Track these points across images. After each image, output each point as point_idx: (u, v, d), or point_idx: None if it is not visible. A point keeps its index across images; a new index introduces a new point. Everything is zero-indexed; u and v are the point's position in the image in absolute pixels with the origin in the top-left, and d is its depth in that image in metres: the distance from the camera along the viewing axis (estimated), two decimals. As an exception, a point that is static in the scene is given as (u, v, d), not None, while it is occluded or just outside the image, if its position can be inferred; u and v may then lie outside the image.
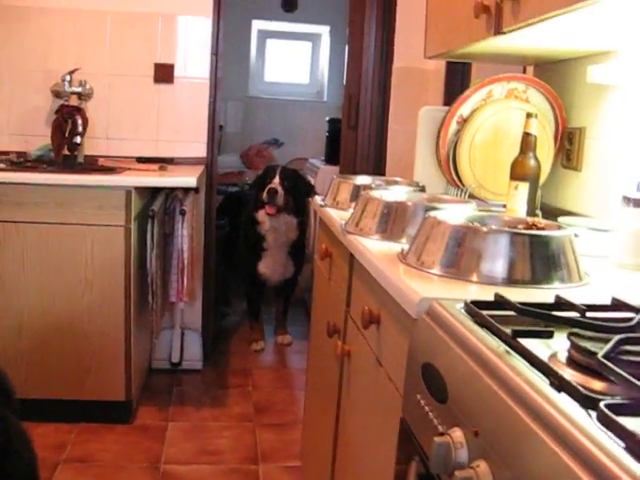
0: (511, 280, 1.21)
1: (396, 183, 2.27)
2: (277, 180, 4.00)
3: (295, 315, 4.76)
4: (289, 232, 4.12)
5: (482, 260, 1.22)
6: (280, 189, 3.97)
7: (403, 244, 1.50)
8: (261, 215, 4.07)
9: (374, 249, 1.49)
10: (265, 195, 3.98)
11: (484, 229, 1.25)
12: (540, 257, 1.23)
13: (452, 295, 1.10)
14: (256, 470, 2.78)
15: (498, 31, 1.68)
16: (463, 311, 1.01)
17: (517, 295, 1.04)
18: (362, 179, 2.27)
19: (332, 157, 4.64)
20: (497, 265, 1.22)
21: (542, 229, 1.36)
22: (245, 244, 4.25)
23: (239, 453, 2.91)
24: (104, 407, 3.07)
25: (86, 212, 2.90)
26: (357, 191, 2.08)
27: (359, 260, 1.54)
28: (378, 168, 3.62)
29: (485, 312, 0.95)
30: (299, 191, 4.09)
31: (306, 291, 4.99)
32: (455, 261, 1.25)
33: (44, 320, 2.98)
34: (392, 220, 1.62)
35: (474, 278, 1.21)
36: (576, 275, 1.26)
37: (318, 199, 2.33)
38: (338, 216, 1.95)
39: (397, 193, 1.88)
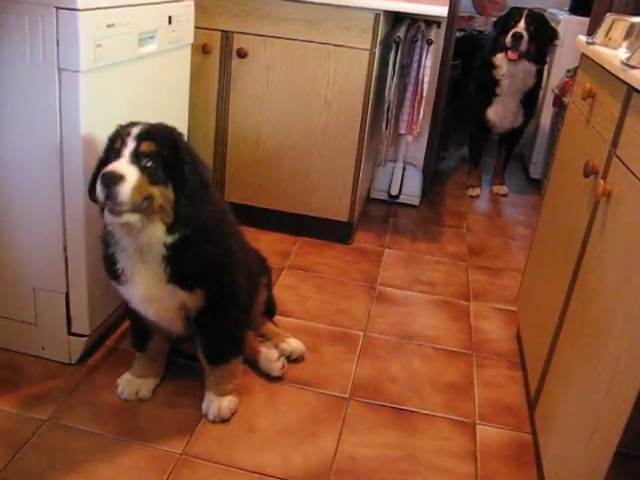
0: None
1: (675, 28, 2.09)
2: (522, 24, 3.81)
3: (512, 169, 4.68)
4: (526, 79, 3.95)
5: None
6: (525, 34, 3.78)
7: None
8: (499, 59, 3.91)
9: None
10: (509, 39, 3.80)
11: None
12: None
13: None
14: (467, 306, 2.83)
15: None
16: None
17: None
18: (638, 19, 2.11)
19: (579, 7, 4.34)
20: None
21: None
22: (477, 88, 4.14)
23: (451, 287, 2.97)
24: (326, 225, 3.21)
25: (333, 32, 2.91)
26: (632, 30, 1.94)
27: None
28: None
29: None
30: (543, 37, 3.88)
31: (526, 147, 4.86)
32: None
33: (281, 135, 3.10)
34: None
35: None
36: None
37: (583, 37, 2.20)
38: (610, 53, 1.84)
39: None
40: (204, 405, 2.02)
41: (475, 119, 4.20)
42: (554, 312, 1.99)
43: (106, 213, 1.64)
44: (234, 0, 2.95)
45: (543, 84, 4.29)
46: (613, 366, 1.42)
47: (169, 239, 1.73)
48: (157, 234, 1.72)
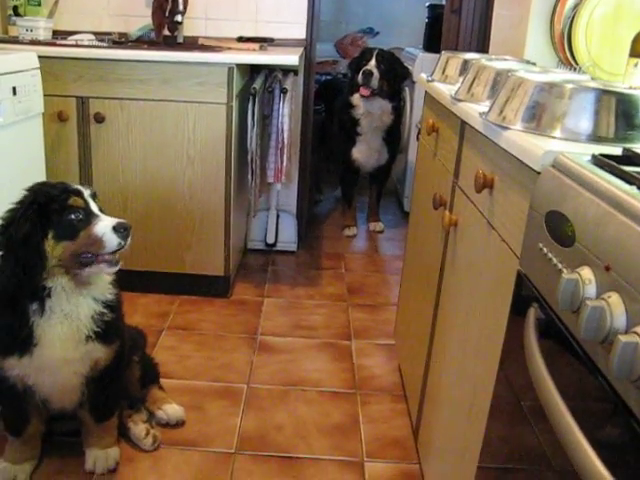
0: (595, 137, 1.18)
1: (505, 60, 2.21)
2: (373, 62, 3.97)
3: (387, 205, 4.79)
4: (383, 116, 4.08)
5: (566, 116, 1.20)
6: (375, 71, 3.94)
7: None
8: (356, 99, 4.05)
9: (488, 114, 1.47)
10: (360, 77, 3.95)
11: (569, 85, 1.22)
12: (626, 115, 1.19)
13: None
14: (349, 345, 2.86)
15: None
16: (589, 163, 0.99)
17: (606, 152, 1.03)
18: (471, 55, 2.22)
19: (431, 44, 4.52)
20: (581, 122, 1.19)
21: None
22: (339, 128, 4.25)
23: (332, 329, 2.99)
24: (203, 281, 3.19)
25: (189, 89, 2.93)
26: (466, 66, 2.04)
27: (471, 125, 1.52)
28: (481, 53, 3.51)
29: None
30: (395, 75, 4.04)
31: (398, 182, 4.99)
32: (537, 117, 1.24)
33: (148, 196, 3.07)
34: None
35: (557, 134, 1.20)
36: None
37: (424, 75, 2.30)
38: (447, 89, 1.92)
39: (508, 64, 1.83)
40: (89, 462, 2.00)
41: (342, 160, 4.29)
42: (424, 340, 2.04)
43: (99, 266, 1.77)
44: (87, 65, 2.93)
45: (407, 120, 4.44)
46: (472, 387, 1.47)
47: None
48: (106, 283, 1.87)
